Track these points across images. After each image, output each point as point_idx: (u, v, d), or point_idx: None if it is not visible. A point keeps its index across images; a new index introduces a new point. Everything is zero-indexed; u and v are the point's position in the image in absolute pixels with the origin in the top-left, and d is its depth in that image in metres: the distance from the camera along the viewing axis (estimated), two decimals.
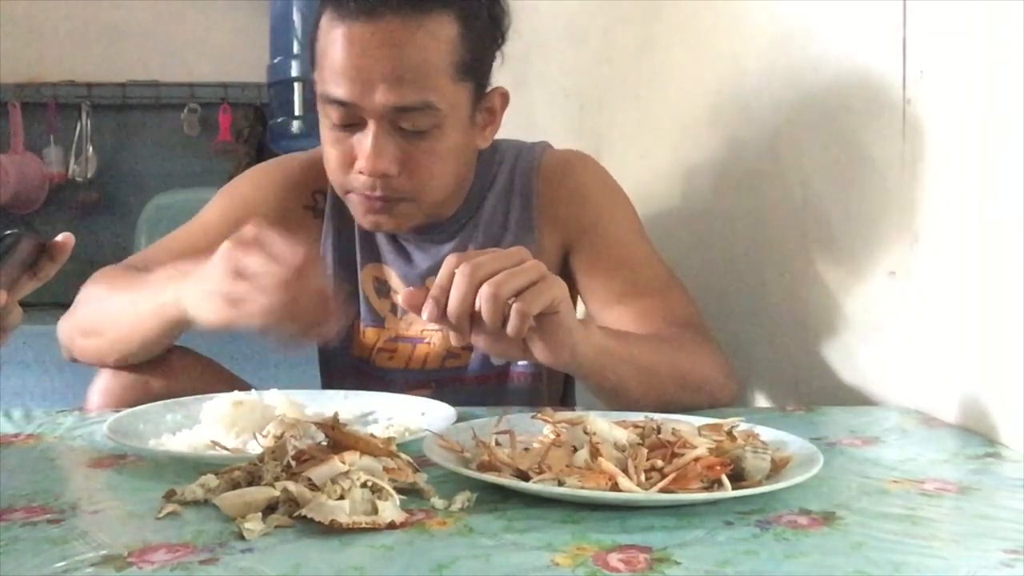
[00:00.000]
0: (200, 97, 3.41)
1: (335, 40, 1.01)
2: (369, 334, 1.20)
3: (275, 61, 3.08)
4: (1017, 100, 0.83)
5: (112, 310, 1.04)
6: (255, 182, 1.21)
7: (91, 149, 3.38)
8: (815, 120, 1.18)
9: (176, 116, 3.42)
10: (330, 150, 1.07)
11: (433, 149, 1.04)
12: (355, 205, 1.09)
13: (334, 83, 1.02)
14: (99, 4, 3.38)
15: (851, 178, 1.12)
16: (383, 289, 1.20)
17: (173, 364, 1.08)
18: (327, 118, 1.05)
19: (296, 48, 3.02)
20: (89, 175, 3.38)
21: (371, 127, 1.02)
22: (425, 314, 0.80)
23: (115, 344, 1.04)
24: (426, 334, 1.18)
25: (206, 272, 0.87)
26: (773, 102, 1.28)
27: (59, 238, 0.79)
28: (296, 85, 3.02)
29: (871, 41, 1.07)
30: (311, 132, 2.98)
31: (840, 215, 1.14)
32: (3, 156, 3.27)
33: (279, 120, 3.09)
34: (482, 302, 0.78)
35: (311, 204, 1.21)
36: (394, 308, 1.20)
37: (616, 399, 0.97)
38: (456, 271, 0.79)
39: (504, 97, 1.14)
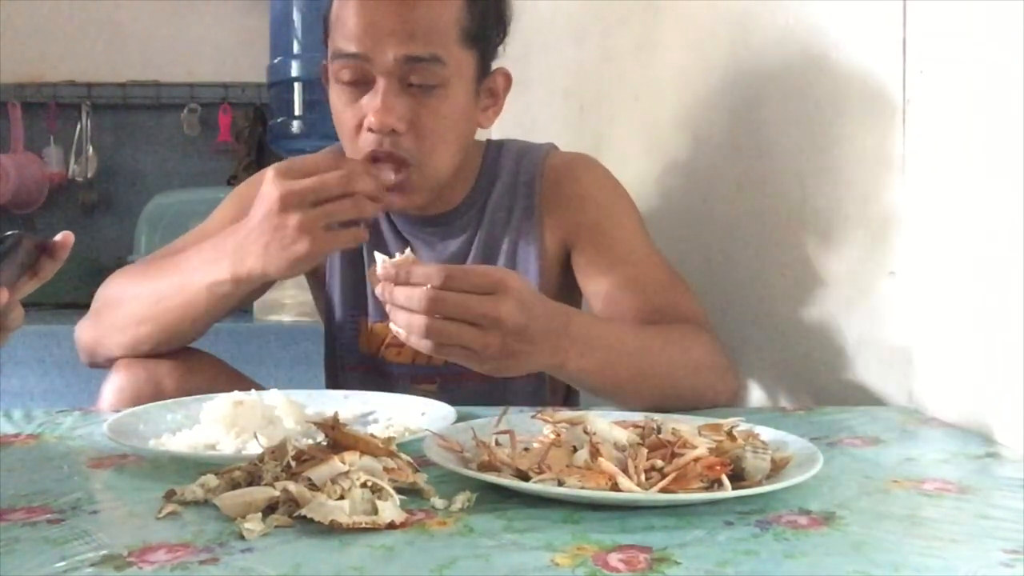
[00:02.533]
0: (200, 97, 3.40)
1: (348, 5, 1.05)
2: (377, 330, 1.22)
3: (275, 61, 3.08)
4: (1017, 100, 0.83)
5: (159, 296, 1.06)
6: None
7: (91, 149, 3.38)
8: (815, 120, 1.18)
9: (176, 116, 3.41)
10: (340, 115, 1.10)
11: (439, 110, 1.07)
12: None
13: (346, 40, 1.05)
14: (99, 4, 3.38)
15: (851, 178, 1.12)
16: None
17: (185, 364, 1.09)
18: (337, 81, 1.08)
19: (296, 48, 3.01)
20: (89, 175, 3.38)
21: (380, 84, 1.05)
22: (379, 292, 0.85)
23: (166, 330, 1.07)
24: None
25: (259, 223, 0.97)
26: (773, 102, 1.28)
27: (59, 237, 0.79)
28: (296, 85, 3.01)
29: (871, 41, 1.07)
30: (311, 132, 2.99)
31: (840, 215, 1.14)
32: (3, 156, 3.27)
33: (279, 120, 3.09)
34: (412, 325, 0.83)
35: None
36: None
37: (613, 400, 0.99)
38: (419, 296, 0.82)
39: (507, 79, 1.17)
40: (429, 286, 0.81)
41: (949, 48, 0.95)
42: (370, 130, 1.05)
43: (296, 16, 3.00)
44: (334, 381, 1.26)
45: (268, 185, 0.97)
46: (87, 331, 1.13)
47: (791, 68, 1.23)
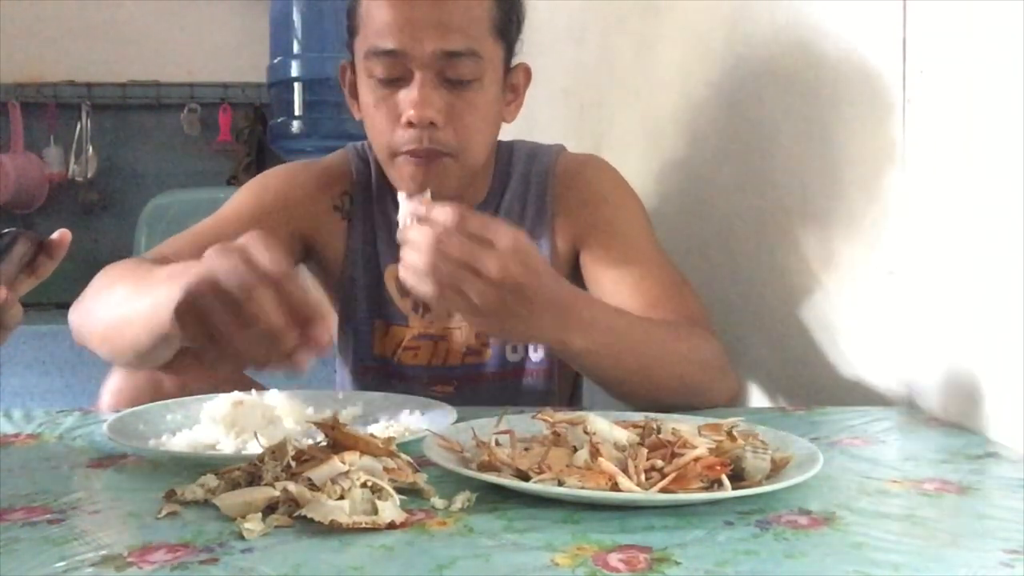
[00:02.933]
0: (200, 97, 3.41)
1: (380, 2, 1.05)
2: (393, 332, 1.22)
3: (275, 61, 3.08)
4: (1017, 100, 0.83)
5: (113, 314, 0.96)
6: (289, 178, 1.23)
7: (91, 149, 3.38)
8: (815, 119, 1.18)
9: (176, 116, 3.42)
10: (375, 113, 1.09)
11: (475, 103, 1.07)
12: (400, 167, 1.09)
13: (381, 36, 1.05)
14: (99, 4, 3.38)
15: (851, 177, 1.12)
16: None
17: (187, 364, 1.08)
18: (371, 78, 1.07)
19: (296, 48, 3.02)
20: (89, 175, 3.38)
21: (417, 78, 1.05)
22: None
23: (115, 351, 0.99)
24: (447, 331, 1.20)
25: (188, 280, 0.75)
26: (773, 102, 1.28)
27: (55, 235, 0.79)
28: (296, 85, 3.02)
29: (871, 41, 1.07)
30: (311, 132, 2.99)
31: (840, 214, 1.14)
32: (3, 156, 3.27)
33: (279, 120, 3.09)
34: (417, 263, 0.82)
35: (339, 205, 1.23)
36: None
37: (615, 390, 1.00)
38: (428, 236, 0.81)
39: (527, 74, 1.18)
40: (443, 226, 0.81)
41: (949, 48, 0.95)
42: (409, 124, 1.05)
43: (296, 16, 3.00)
44: (347, 384, 1.26)
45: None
46: (75, 317, 1.06)
47: (791, 68, 1.23)
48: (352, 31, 1.11)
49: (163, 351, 0.89)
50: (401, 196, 0.86)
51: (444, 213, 0.82)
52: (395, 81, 1.06)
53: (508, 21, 1.10)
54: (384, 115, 1.07)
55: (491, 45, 1.08)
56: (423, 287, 0.83)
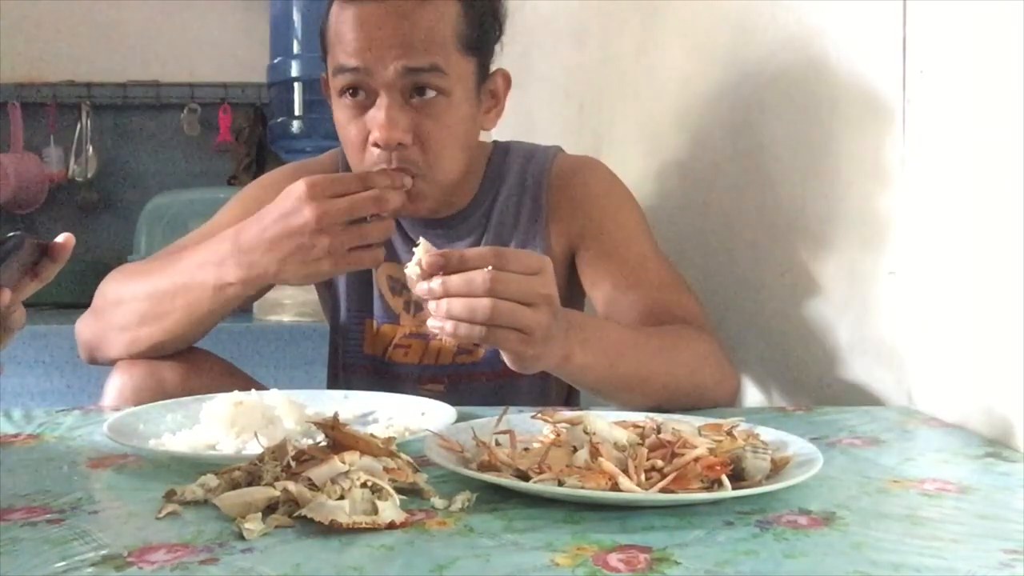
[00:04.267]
0: (200, 97, 3.41)
1: (346, 19, 1.05)
2: (384, 331, 1.23)
3: (275, 61, 3.08)
4: (1017, 100, 0.83)
5: (161, 296, 1.06)
6: (275, 184, 1.23)
7: (91, 149, 3.39)
8: (815, 120, 1.18)
9: (176, 116, 3.42)
10: (345, 132, 1.10)
11: (442, 119, 1.07)
12: None
13: (346, 54, 1.05)
14: (99, 4, 3.38)
15: (851, 178, 1.12)
16: (397, 287, 1.23)
17: (188, 363, 1.09)
18: (340, 96, 1.08)
19: (296, 48, 3.02)
20: (89, 175, 3.38)
21: (382, 98, 1.05)
22: (423, 288, 0.82)
23: (169, 331, 1.06)
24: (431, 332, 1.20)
25: (282, 234, 0.97)
26: (773, 102, 1.28)
27: (60, 239, 0.79)
28: (296, 85, 3.02)
29: (871, 41, 1.07)
30: (311, 132, 2.99)
31: (840, 215, 1.14)
32: (3, 156, 3.27)
33: (279, 120, 3.09)
34: (476, 309, 0.80)
35: None
36: (408, 305, 1.22)
37: (615, 400, 1.00)
38: (481, 278, 0.80)
39: (506, 79, 1.17)
40: (489, 268, 0.80)
41: (949, 48, 0.95)
42: (376, 145, 1.05)
43: (296, 16, 3.01)
44: (337, 382, 1.26)
45: (300, 202, 0.96)
46: (87, 328, 1.13)
47: (791, 68, 1.23)
48: (323, 48, 1.12)
49: (224, 316, 1.07)
50: (421, 243, 0.84)
51: (483, 256, 0.81)
52: (362, 99, 1.06)
53: (479, 32, 1.10)
54: (354, 134, 1.08)
55: (458, 59, 1.07)
56: (473, 334, 0.81)
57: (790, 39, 1.24)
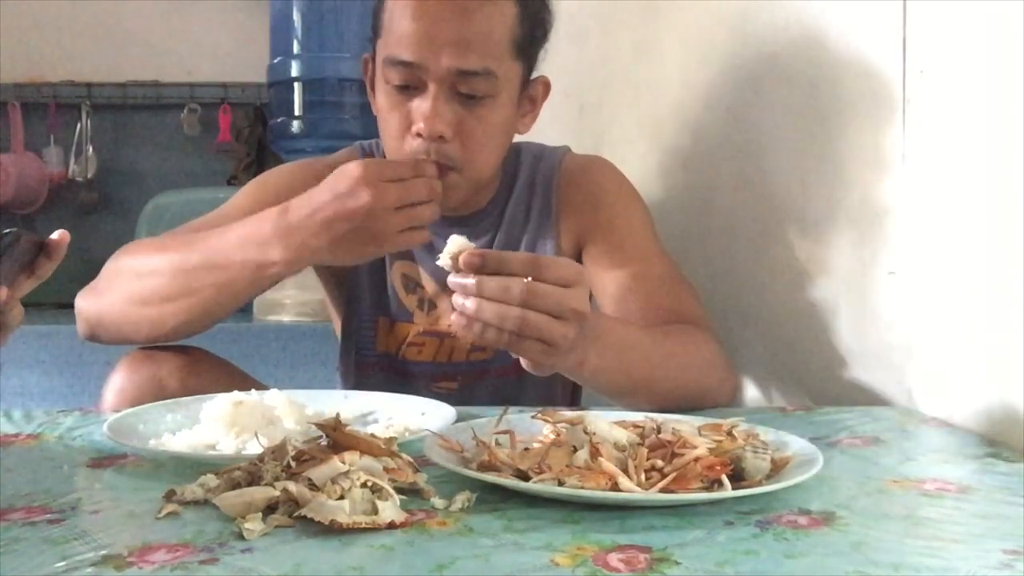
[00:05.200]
0: (200, 97, 3.40)
1: (404, 8, 1.05)
2: (398, 329, 1.23)
3: (275, 61, 3.08)
4: (1017, 100, 0.83)
5: (192, 273, 1.03)
6: (291, 176, 1.23)
7: (91, 149, 3.38)
8: (815, 119, 1.18)
9: (176, 116, 3.42)
10: (388, 116, 1.09)
11: (486, 119, 1.07)
12: None
13: (401, 45, 1.05)
14: (99, 4, 3.38)
15: (851, 177, 1.12)
16: (411, 285, 1.23)
17: (190, 364, 1.09)
18: (387, 83, 1.08)
19: (296, 48, 3.01)
20: (89, 175, 3.38)
21: (431, 90, 1.05)
22: (458, 280, 0.80)
23: (199, 307, 1.04)
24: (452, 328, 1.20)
25: (337, 217, 0.97)
26: (773, 102, 1.28)
27: (55, 236, 0.78)
28: (296, 85, 3.01)
29: (871, 41, 1.07)
30: (311, 132, 2.99)
31: (840, 214, 1.14)
32: (3, 156, 3.27)
33: (279, 120, 3.09)
34: (507, 318, 0.78)
35: None
36: (422, 303, 1.22)
37: (622, 401, 1.00)
38: (518, 288, 0.78)
39: (546, 87, 1.19)
40: (529, 278, 0.78)
41: (949, 48, 0.95)
42: (419, 135, 1.05)
43: (296, 16, 3.00)
44: (350, 380, 1.26)
45: (356, 185, 0.97)
46: (92, 302, 1.09)
47: (791, 68, 1.23)
48: (375, 31, 1.12)
49: (259, 291, 1.07)
50: (453, 239, 0.81)
51: (524, 264, 0.79)
52: (410, 89, 1.06)
53: (531, 38, 1.10)
54: (396, 121, 1.08)
55: (509, 63, 1.08)
56: (500, 339, 0.80)
57: (790, 39, 1.23)
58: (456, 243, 0.81)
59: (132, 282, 1.07)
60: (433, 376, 1.21)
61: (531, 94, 1.16)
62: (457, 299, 0.80)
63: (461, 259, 0.80)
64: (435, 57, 1.03)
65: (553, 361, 0.84)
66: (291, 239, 0.99)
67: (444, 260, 0.81)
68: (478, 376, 1.21)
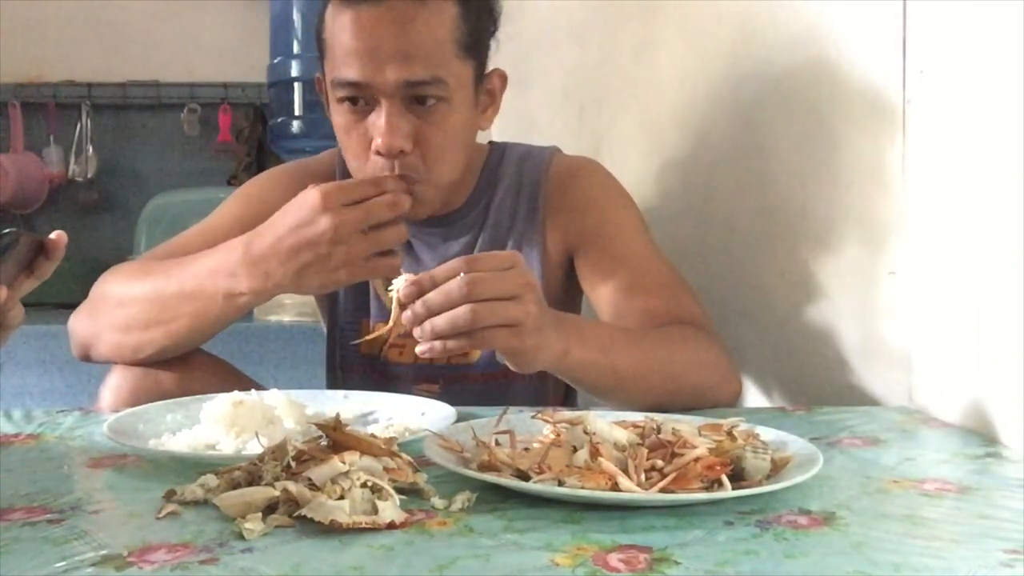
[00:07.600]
0: (200, 97, 3.41)
1: (344, 26, 1.04)
2: (379, 330, 1.21)
3: (275, 61, 3.08)
4: (1017, 100, 0.83)
5: (166, 301, 1.04)
6: (271, 183, 1.23)
7: (91, 149, 3.38)
8: (815, 120, 1.18)
9: (176, 116, 3.42)
10: (345, 138, 1.09)
11: (443, 124, 1.07)
12: None
13: (346, 66, 1.04)
14: (99, 4, 3.38)
15: (851, 178, 1.12)
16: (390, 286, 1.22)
17: (187, 364, 1.09)
18: (339, 105, 1.07)
19: (296, 48, 3.02)
20: (89, 175, 3.38)
21: (383, 106, 1.04)
22: (407, 314, 0.84)
23: (174, 335, 1.05)
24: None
25: (298, 246, 0.95)
26: (773, 102, 1.28)
27: (52, 236, 0.78)
28: (296, 85, 3.02)
29: (871, 41, 1.07)
30: (311, 132, 2.99)
31: (840, 215, 1.14)
32: (3, 156, 3.27)
33: (279, 120, 3.09)
34: (457, 318, 0.82)
35: None
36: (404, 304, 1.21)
37: (613, 399, 1.00)
38: (456, 286, 0.82)
39: (503, 78, 1.17)
40: (461, 275, 0.82)
41: (949, 48, 0.95)
42: (378, 153, 1.05)
43: (296, 16, 3.00)
44: (335, 382, 1.26)
45: (315, 212, 0.95)
46: (83, 325, 1.11)
47: (791, 68, 1.23)
48: (320, 51, 1.11)
49: (230, 320, 1.05)
50: (398, 281, 0.86)
51: (451, 268, 0.83)
52: (361, 106, 1.05)
53: (477, 34, 1.09)
54: (355, 141, 1.07)
55: (458, 65, 1.06)
56: (460, 343, 0.84)
57: (790, 39, 1.23)
58: (396, 284, 0.85)
59: (114, 310, 1.08)
60: (415, 378, 1.21)
61: (488, 88, 1.15)
62: (415, 331, 0.84)
63: (400, 294, 0.84)
64: (381, 73, 1.02)
65: (530, 343, 0.86)
66: (256, 269, 0.99)
67: (392, 306, 0.85)
68: (460, 379, 1.20)
